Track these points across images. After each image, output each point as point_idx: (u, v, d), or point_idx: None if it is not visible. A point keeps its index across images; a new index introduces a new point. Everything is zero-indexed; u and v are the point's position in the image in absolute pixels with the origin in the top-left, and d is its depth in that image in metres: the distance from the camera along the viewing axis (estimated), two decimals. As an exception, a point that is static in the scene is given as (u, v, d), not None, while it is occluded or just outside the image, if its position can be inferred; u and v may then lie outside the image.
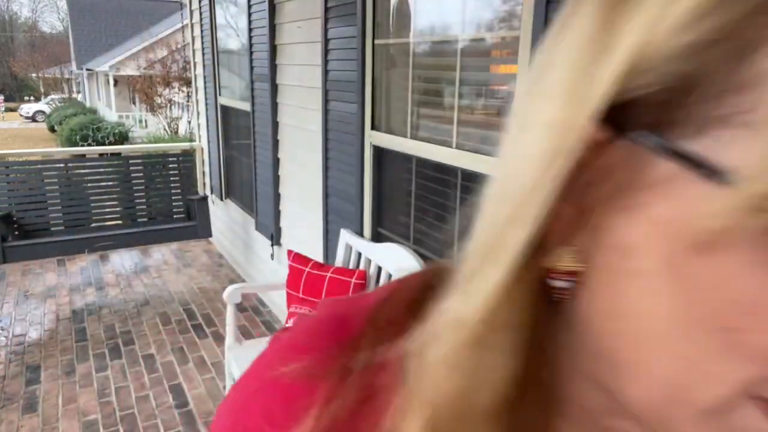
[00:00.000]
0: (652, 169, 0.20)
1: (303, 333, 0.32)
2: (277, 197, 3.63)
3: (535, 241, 0.23)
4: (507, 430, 0.26)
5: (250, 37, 3.62)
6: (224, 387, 2.71)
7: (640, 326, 0.22)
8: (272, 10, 3.29)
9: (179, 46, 13.19)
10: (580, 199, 0.23)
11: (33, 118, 24.29)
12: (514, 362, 0.25)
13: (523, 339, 0.25)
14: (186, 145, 5.80)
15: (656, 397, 0.22)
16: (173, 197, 4.51)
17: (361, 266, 2.44)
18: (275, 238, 3.68)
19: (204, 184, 5.48)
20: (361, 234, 2.61)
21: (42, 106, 24.78)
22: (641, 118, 0.21)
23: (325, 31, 2.69)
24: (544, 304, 0.25)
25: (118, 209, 4.43)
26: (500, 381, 0.25)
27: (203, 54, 4.78)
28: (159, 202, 4.50)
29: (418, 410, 0.25)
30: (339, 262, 2.61)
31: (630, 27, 0.20)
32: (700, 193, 0.19)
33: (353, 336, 0.30)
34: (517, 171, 0.23)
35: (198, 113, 5.45)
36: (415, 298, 0.30)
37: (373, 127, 2.48)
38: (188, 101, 12.31)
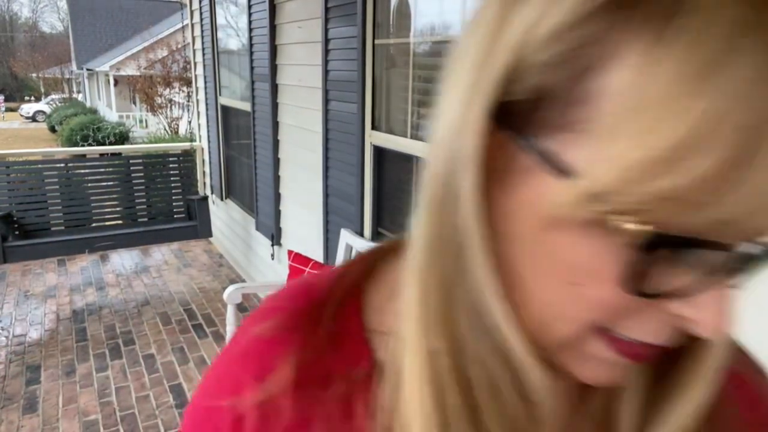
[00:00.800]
0: (520, 159, 0.26)
1: (278, 297, 0.37)
2: (277, 197, 3.63)
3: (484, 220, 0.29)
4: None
5: (251, 37, 3.62)
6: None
7: (518, 277, 0.28)
8: (272, 10, 3.30)
9: (179, 46, 13.19)
10: (494, 180, 0.29)
11: (33, 118, 24.30)
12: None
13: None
14: (186, 145, 5.79)
15: (533, 330, 0.29)
16: (173, 197, 4.51)
17: (362, 266, 2.44)
18: (275, 238, 3.68)
19: (204, 184, 5.48)
20: (361, 234, 2.61)
21: (42, 106, 24.79)
22: (516, 117, 0.26)
23: (326, 31, 2.69)
24: None
25: (118, 209, 4.43)
26: (453, 335, 0.31)
27: (203, 54, 4.78)
28: (159, 202, 4.50)
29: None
30: (339, 262, 2.61)
31: (512, 30, 0.25)
32: (549, 184, 0.25)
33: (321, 296, 0.36)
34: (439, 148, 0.29)
35: (198, 113, 5.45)
36: (371, 265, 0.37)
37: (373, 127, 2.48)
38: (188, 101, 12.32)
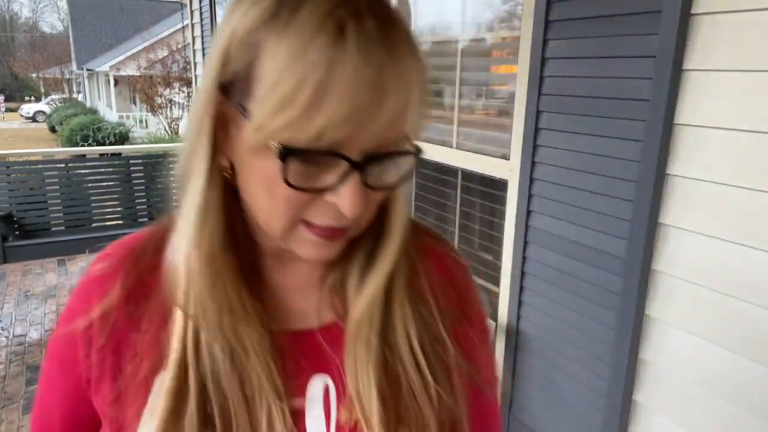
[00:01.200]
0: (236, 114, 0.42)
1: (110, 247, 0.55)
2: (277, 197, 3.63)
3: (210, 158, 0.45)
4: (238, 273, 0.49)
5: (251, 37, 3.63)
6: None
7: (251, 194, 0.45)
8: (272, 10, 3.30)
9: (179, 46, 13.19)
10: (227, 130, 0.44)
11: (33, 119, 24.29)
12: (223, 228, 0.47)
13: (223, 214, 0.47)
14: (186, 145, 5.77)
15: (266, 227, 0.46)
16: (173, 197, 4.52)
17: (362, 266, 2.44)
18: (275, 238, 3.68)
19: (204, 184, 5.48)
20: (361, 234, 2.61)
21: (42, 106, 24.78)
22: (231, 88, 0.43)
23: (326, 31, 2.69)
24: (231, 192, 0.47)
25: (118, 209, 4.43)
26: (219, 242, 0.47)
27: (204, 54, 4.79)
28: (159, 202, 4.51)
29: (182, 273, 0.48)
30: (339, 262, 2.61)
31: (226, 30, 0.43)
32: (246, 127, 0.41)
33: (141, 243, 0.54)
34: (191, 117, 0.46)
35: (198, 113, 5.45)
36: (172, 222, 0.51)
37: (373, 127, 2.48)
38: (188, 101, 12.31)
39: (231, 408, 0.47)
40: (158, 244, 0.52)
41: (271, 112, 0.39)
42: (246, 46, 0.41)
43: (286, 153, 0.40)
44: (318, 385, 0.52)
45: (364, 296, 0.51)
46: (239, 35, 0.41)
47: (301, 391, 0.51)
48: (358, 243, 0.52)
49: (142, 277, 0.51)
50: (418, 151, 0.45)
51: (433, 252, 0.60)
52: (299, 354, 0.52)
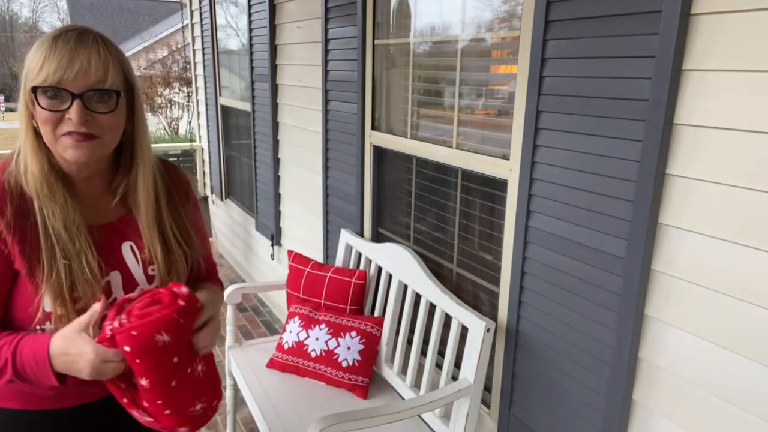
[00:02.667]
0: (31, 95, 0.95)
1: None
2: (277, 197, 3.63)
3: (28, 120, 0.98)
4: (65, 187, 1.00)
5: (251, 37, 3.62)
6: (224, 387, 2.70)
7: (40, 129, 0.97)
8: (272, 10, 3.30)
9: (179, 46, 13.18)
10: (34, 108, 0.95)
11: (33, 118, 24.24)
12: (44, 158, 0.99)
13: (41, 151, 0.99)
14: (186, 145, 5.79)
15: (49, 146, 0.98)
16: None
17: (362, 266, 2.44)
18: (275, 238, 3.68)
19: (204, 184, 5.48)
20: (361, 234, 2.61)
21: (42, 106, 24.72)
22: (25, 83, 0.96)
23: (326, 31, 2.69)
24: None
25: (118, 209, 4.41)
26: (46, 167, 0.99)
27: (203, 54, 4.78)
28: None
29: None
30: (339, 262, 2.61)
31: None
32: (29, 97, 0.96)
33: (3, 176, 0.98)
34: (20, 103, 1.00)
35: (198, 113, 5.45)
36: (9, 161, 1.01)
37: (373, 127, 2.48)
38: (188, 101, 12.30)
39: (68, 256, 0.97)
40: (12, 172, 0.98)
41: (28, 80, 0.93)
42: (28, 62, 0.94)
43: (33, 90, 0.92)
44: (126, 246, 1.07)
45: (142, 197, 1.06)
46: (28, 57, 0.94)
47: (116, 254, 1.05)
48: (124, 169, 1.06)
49: (15, 190, 0.96)
50: (118, 92, 0.96)
51: (170, 169, 1.17)
52: (109, 235, 1.05)
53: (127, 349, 0.92)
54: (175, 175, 1.16)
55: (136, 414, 1.01)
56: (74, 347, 0.91)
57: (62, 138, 0.93)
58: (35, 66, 0.90)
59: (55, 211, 0.95)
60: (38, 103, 0.91)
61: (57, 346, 0.92)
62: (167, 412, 1.00)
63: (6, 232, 0.93)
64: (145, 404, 0.99)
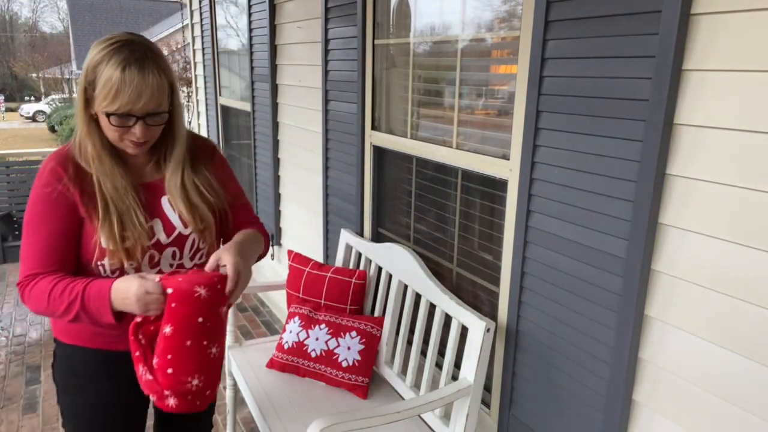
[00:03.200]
0: (91, 95, 1.24)
1: (49, 158, 1.30)
2: (277, 197, 3.63)
3: (84, 110, 1.26)
4: (115, 160, 1.29)
5: (251, 37, 3.62)
6: (225, 387, 2.70)
7: (104, 130, 1.26)
8: (272, 10, 3.30)
9: (179, 46, 13.17)
10: (90, 101, 1.24)
11: (33, 118, 24.27)
12: (100, 139, 1.27)
13: (98, 134, 1.28)
14: (186, 145, 5.73)
15: (113, 142, 1.30)
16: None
17: (362, 266, 2.43)
18: (275, 238, 3.68)
19: (204, 184, 5.45)
20: (361, 234, 2.61)
21: (42, 106, 24.75)
22: (90, 86, 1.21)
23: (326, 31, 2.69)
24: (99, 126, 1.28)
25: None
26: (100, 146, 1.27)
27: (203, 54, 4.78)
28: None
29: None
30: (339, 262, 2.61)
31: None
32: (94, 103, 1.23)
33: (66, 152, 1.29)
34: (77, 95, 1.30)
35: (198, 113, 5.45)
36: (71, 146, 1.32)
37: (373, 127, 2.48)
38: (188, 101, 12.29)
39: (122, 211, 1.27)
40: (72, 149, 1.28)
41: (99, 99, 1.18)
42: (92, 70, 1.18)
43: (109, 115, 1.19)
44: (165, 199, 1.36)
45: (171, 168, 1.35)
46: (91, 64, 1.18)
47: (157, 206, 1.35)
48: (159, 147, 1.35)
49: (79, 164, 1.26)
50: (167, 111, 1.26)
51: (197, 139, 1.46)
52: (152, 192, 1.35)
53: (169, 291, 1.12)
54: (200, 142, 1.46)
55: (140, 370, 1.17)
56: (126, 283, 1.16)
57: (125, 141, 1.24)
58: (108, 93, 1.16)
59: (105, 178, 1.25)
60: (110, 122, 1.19)
61: (116, 285, 1.17)
62: (170, 370, 1.13)
63: (70, 183, 1.24)
64: (155, 360, 1.14)
